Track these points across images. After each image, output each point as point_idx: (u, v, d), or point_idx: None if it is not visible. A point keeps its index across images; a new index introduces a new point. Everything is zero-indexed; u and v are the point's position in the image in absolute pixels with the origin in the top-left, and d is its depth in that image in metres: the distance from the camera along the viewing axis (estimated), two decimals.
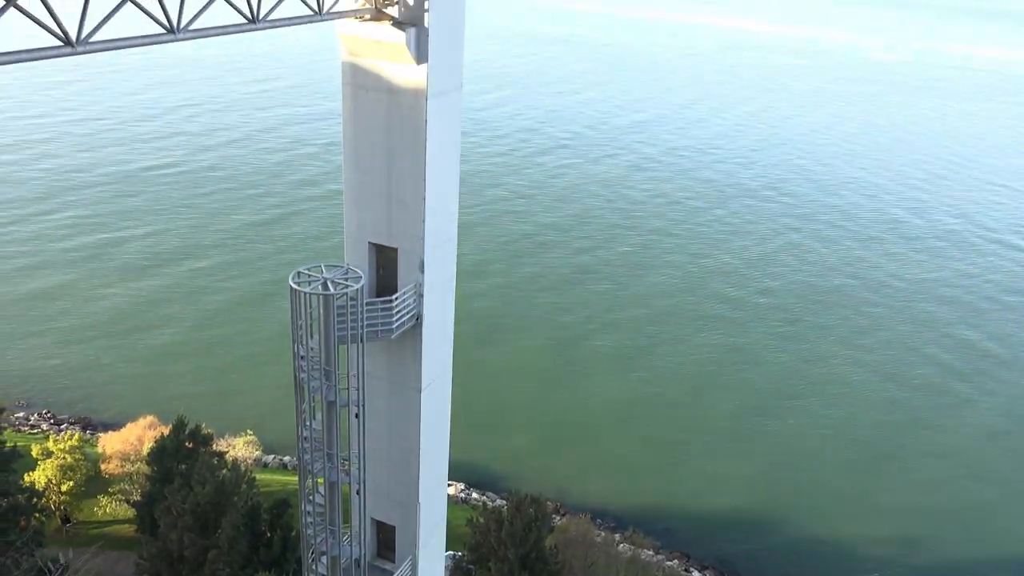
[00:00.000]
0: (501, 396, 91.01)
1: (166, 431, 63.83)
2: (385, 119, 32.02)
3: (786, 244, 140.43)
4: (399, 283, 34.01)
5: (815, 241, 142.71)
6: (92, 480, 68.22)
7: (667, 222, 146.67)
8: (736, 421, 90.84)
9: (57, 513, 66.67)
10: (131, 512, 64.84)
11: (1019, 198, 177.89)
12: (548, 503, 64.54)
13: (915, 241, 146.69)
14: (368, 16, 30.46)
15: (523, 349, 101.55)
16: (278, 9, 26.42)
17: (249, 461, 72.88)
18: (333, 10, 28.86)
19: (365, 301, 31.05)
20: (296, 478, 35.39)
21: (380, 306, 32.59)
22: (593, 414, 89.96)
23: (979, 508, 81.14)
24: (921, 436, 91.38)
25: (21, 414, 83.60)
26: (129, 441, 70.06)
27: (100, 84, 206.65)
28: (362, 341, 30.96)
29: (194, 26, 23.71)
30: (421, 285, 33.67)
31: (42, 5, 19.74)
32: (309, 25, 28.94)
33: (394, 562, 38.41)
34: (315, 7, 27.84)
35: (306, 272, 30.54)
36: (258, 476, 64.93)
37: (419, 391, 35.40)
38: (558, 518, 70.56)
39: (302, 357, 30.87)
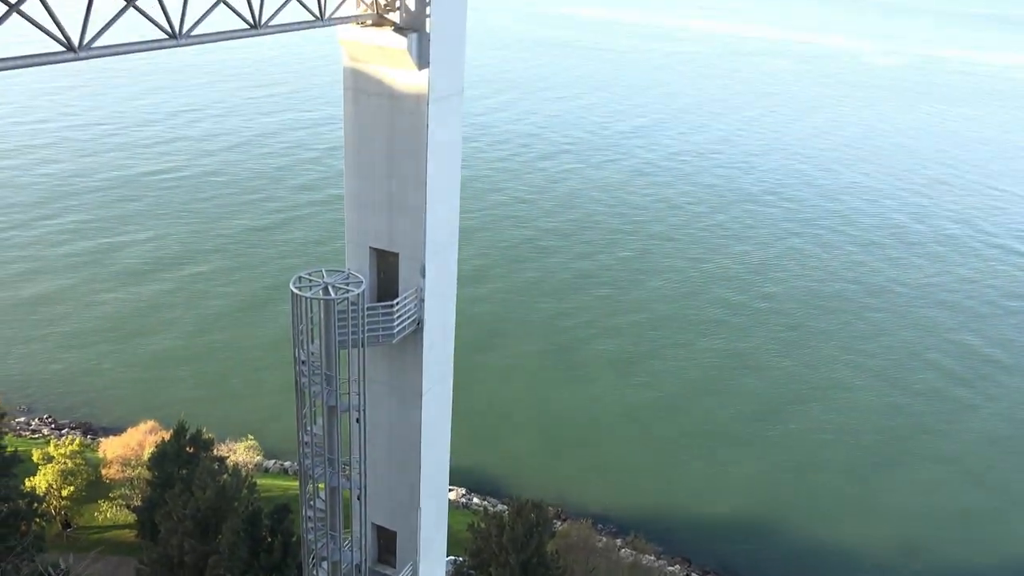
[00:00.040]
0: (502, 401, 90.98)
1: (167, 436, 63.84)
2: (386, 124, 32.08)
3: (787, 249, 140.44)
4: (400, 288, 34.03)
5: (816, 246, 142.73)
6: (93, 485, 68.16)
7: (668, 227, 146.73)
8: (738, 426, 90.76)
9: (58, 518, 66.60)
10: (132, 517, 64.81)
11: (1020, 203, 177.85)
12: (549, 508, 64.45)
13: (916, 246, 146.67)
14: (370, 22, 30.54)
15: (524, 354, 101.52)
16: (280, 15, 26.48)
17: (250, 466, 72.82)
18: (335, 16, 28.93)
19: (366, 306, 31.08)
20: (297, 483, 35.38)
21: (381, 311, 32.62)
22: (594, 419, 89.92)
23: (981, 513, 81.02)
24: (923, 441, 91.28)
25: (22, 419, 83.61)
26: (130, 446, 70.04)
27: (102, 89, 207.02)
28: (363, 346, 30.98)
29: (196, 32, 23.78)
30: (422, 290, 33.69)
31: (45, 11, 19.80)
32: (311, 31, 29.01)
33: (395, 567, 38.37)
34: (317, 13, 27.90)
35: (307, 277, 30.57)
36: (259, 481, 64.84)
37: (420, 396, 35.40)
38: (559, 523, 70.48)
39: (303, 362, 30.89)
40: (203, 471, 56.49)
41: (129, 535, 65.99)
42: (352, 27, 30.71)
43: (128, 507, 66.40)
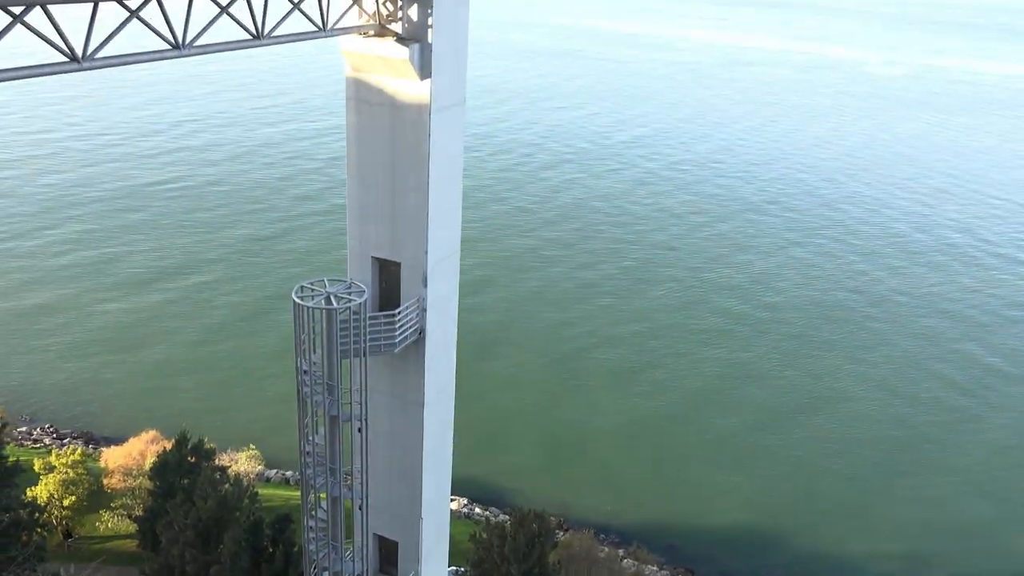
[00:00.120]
0: (504, 410, 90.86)
1: (168, 445, 63.75)
2: (389, 134, 32.20)
3: (788, 259, 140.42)
4: (402, 297, 34.08)
5: (817, 255, 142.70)
6: (94, 495, 68.06)
7: (669, 237, 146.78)
8: (740, 436, 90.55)
9: (59, 528, 66.48)
10: (133, 527, 64.65)
11: (1021, 212, 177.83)
12: (551, 518, 64.39)
13: (918, 255, 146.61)
14: (372, 32, 30.68)
15: (526, 363, 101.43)
16: (283, 25, 26.63)
17: (251, 476, 72.73)
18: (337, 26, 29.08)
19: (368, 315, 31.12)
20: (298, 493, 35.34)
21: (383, 320, 32.67)
22: (596, 429, 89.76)
23: (985, 524, 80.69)
24: (926, 451, 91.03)
25: (24, 428, 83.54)
26: (131, 456, 69.93)
27: (105, 99, 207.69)
28: (365, 355, 31.01)
29: (199, 42, 23.91)
30: (424, 299, 33.73)
31: (49, 22, 19.92)
32: (313, 41, 29.14)
33: None
34: (319, 23, 28.05)
35: (309, 286, 30.64)
36: (260, 491, 64.72)
37: (422, 405, 35.40)
38: (561, 533, 70.25)
39: (305, 371, 30.91)
40: (205, 481, 56.40)
41: (130, 545, 65.85)
42: (354, 37, 30.86)
43: (129, 517, 66.25)
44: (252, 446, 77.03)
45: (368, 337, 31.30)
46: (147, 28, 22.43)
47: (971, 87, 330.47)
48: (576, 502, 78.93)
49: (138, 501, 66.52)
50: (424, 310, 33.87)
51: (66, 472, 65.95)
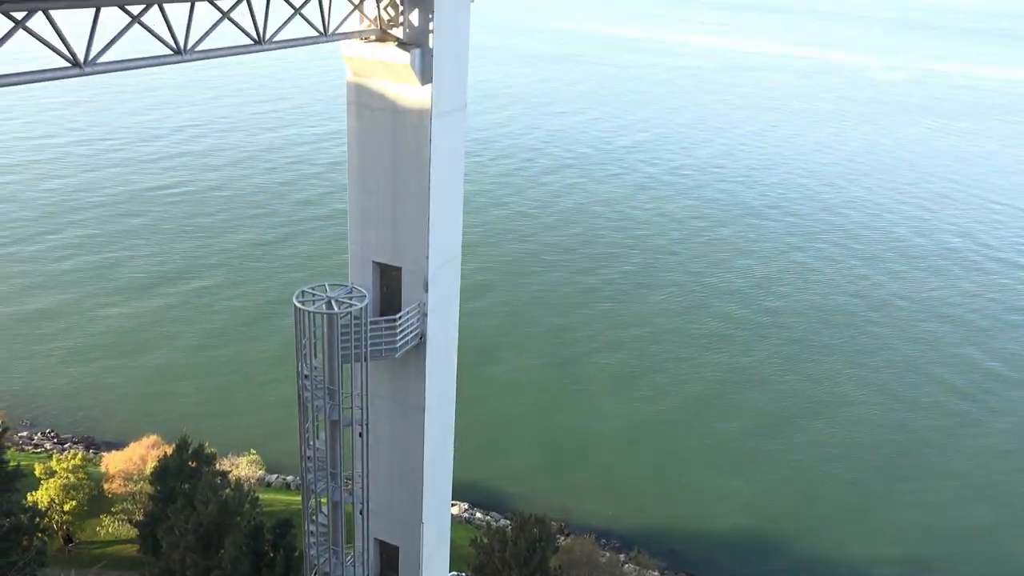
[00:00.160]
0: (505, 415, 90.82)
1: (169, 450, 63.72)
2: (390, 139, 32.24)
3: (789, 263, 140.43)
4: (403, 302, 34.10)
5: (818, 260, 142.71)
6: (95, 500, 68.02)
7: (670, 241, 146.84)
8: (741, 441, 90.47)
9: (59, 533, 66.44)
10: (134, 532, 64.61)
11: (1022, 216, 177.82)
12: (552, 523, 64.33)
13: (918, 260, 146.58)
14: (373, 37, 30.75)
15: (527, 368, 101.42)
16: (284, 30, 26.70)
17: (252, 481, 72.66)
18: (339, 31, 29.14)
19: (369, 320, 31.15)
20: (299, 498, 35.32)
21: (384, 325, 32.68)
22: (597, 433, 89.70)
23: (986, 529, 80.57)
24: (926, 456, 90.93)
25: (25, 433, 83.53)
26: (132, 460, 69.92)
27: (106, 104, 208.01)
28: (366, 360, 31.01)
29: (201, 47, 23.97)
30: (425, 304, 33.75)
31: (51, 27, 19.98)
32: (315, 46, 29.20)
33: None
34: (321, 28, 28.11)
35: (310, 291, 30.67)
36: (261, 496, 64.71)
37: (423, 410, 35.39)
38: (562, 538, 70.21)
39: (306, 376, 30.92)
40: (205, 485, 56.39)
41: (131, 550, 65.79)
42: (356, 43, 30.93)
43: (130, 522, 66.21)
44: (253, 451, 77.02)
45: (369, 342, 31.31)
46: (149, 33, 22.50)
47: (972, 92, 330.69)
48: (577, 507, 78.85)
49: (139, 506, 66.48)
50: (425, 315, 33.88)
51: (67, 477, 65.92)
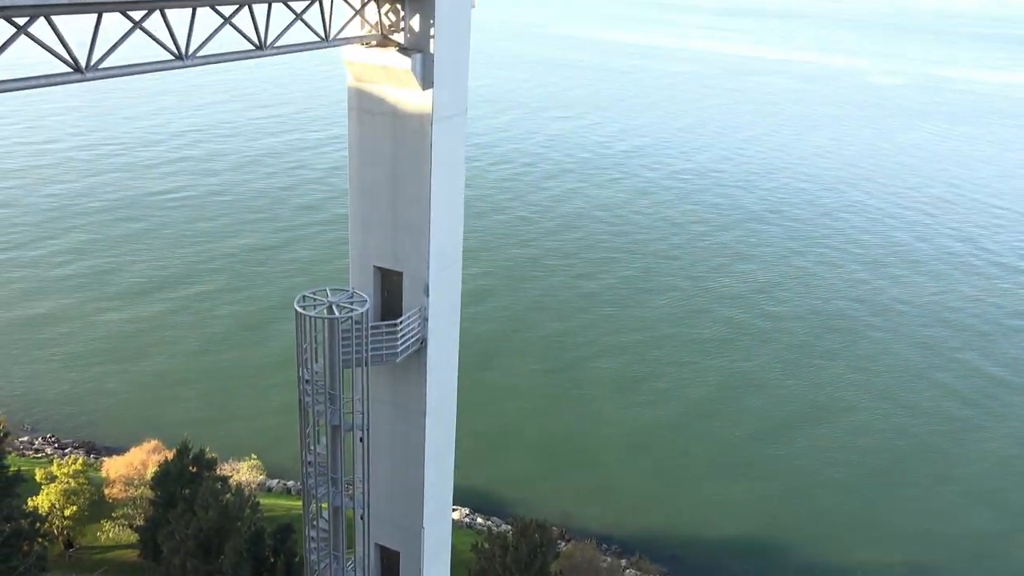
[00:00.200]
0: (506, 420, 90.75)
1: (170, 455, 63.67)
2: (391, 144, 32.27)
3: (790, 268, 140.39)
4: (404, 307, 34.09)
5: (819, 265, 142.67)
6: (95, 505, 67.95)
7: (670, 246, 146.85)
8: (741, 446, 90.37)
9: (60, 538, 66.36)
10: (134, 537, 64.56)
11: (1023, 221, 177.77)
12: (554, 528, 64.22)
13: (919, 265, 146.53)
14: (374, 42, 30.80)
15: (527, 373, 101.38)
16: (285, 36, 26.74)
17: (253, 486, 72.57)
18: (340, 37, 29.18)
19: (370, 325, 31.14)
20: (300, 503, 35.29)
21: (385, 330, 32.67)
22: (598, 438, 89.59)
23: (988, 534, 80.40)
24: (928, 461, 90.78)
25: (25, 438, 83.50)
26: (133, 465, 69.86)
27: (108, 109, 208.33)
28: (367, 365, 31.00)
29: (202, 52, 24.01)
30: (426, 309, 33.74)
31: (52, 32, 20.03)
32: (316, 51, 29.25)
33: None
34: (322, 34, 28.16)
35: (311, 296, 30.67)
36: (262, 501, 64.68)
37: (424, 415, 35.37)
38: (564, 544, 70.09)
39: (307, 381, 30.91)
40: (206, 491, 56.36)
41: (132, 555, 65.74)
42: (357, 48, 30.97)
43: (131, 527, 66.16)
44: (254, 456, 76.91)
45: (370, 347, 31.31)
46: (150, 39, 22.54)
47: (973, 96, 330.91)
48: (578, 512, 78.75)
49: (139, 511, 66.43)
50: (426, 320, 33.88)
51: (67, 482, 65.87)
